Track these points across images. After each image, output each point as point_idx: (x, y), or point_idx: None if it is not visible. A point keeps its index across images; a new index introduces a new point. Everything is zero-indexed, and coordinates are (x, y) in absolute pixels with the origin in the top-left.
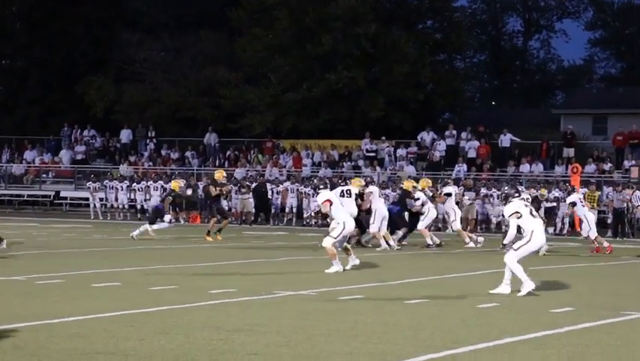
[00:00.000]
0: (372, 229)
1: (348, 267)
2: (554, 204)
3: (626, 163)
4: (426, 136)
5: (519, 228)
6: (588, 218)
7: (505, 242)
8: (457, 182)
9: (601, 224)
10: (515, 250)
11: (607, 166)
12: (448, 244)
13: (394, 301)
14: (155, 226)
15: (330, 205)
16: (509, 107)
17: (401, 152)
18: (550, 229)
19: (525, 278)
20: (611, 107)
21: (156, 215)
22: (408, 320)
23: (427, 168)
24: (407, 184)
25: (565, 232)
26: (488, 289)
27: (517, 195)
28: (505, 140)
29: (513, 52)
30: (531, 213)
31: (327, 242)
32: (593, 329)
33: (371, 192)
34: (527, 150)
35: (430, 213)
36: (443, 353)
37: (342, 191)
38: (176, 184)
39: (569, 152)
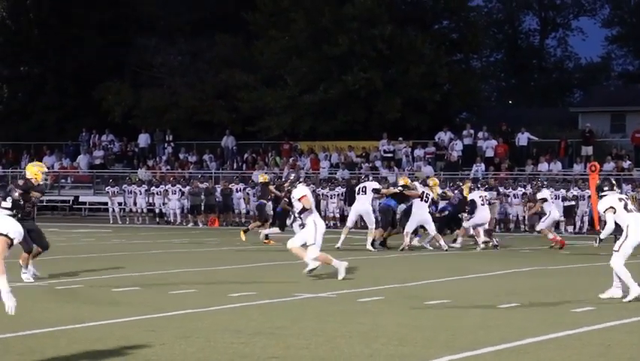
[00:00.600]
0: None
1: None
2: (573, 202)
3: None
4: (443, 136)
5: (616, 223)
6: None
7: (602, 237)
8: (475, 182)
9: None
10: (617, 251)
11: (626, 164)
12: (467, 245)
13: (414, 303)
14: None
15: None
16: (527, 106)
17: (419, 152)
18: (570, 228)
19: (632, 283)
20: (629, 104)
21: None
22: (428, 322)
23: (444, 168)
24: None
25: (585, 230)
26: (506, 288)
27: (607, 188)
28: (523, 138)
29: (530, 50)
30: (625, 207)
31: (314, 253)
32: (614, 329)
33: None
34: (545, 148)
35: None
36: (464, 355)
37: (359, 188)
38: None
39: (588, 150)
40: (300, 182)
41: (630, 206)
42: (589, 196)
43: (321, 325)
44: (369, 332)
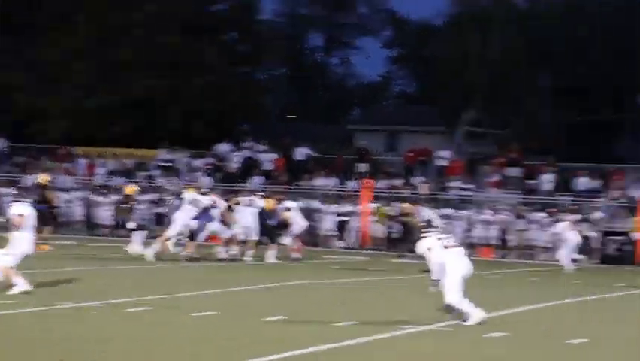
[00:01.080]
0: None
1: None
2: (346, 218)
3: (415, 180)
4: (223, 147)
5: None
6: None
7: (433, 278)
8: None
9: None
10: (449, 289)
11: (398, 182)
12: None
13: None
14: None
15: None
16: (308, 122)
17: (198, 163)
18: (342, 243)
19: (472, 309)
20: (404, 124)
21: None
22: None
23: (223, 179)
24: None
25: (356, 245)
26: (274, 302)
27: (428, 230)
28: (301, 153)
29: (314, 67)
30: (445, 246)
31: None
32: (375, 343)
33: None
34: (322, 163)
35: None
36: None
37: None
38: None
39: (362, 167)
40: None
41: (448, 243)
42: (361, 212)
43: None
44: None
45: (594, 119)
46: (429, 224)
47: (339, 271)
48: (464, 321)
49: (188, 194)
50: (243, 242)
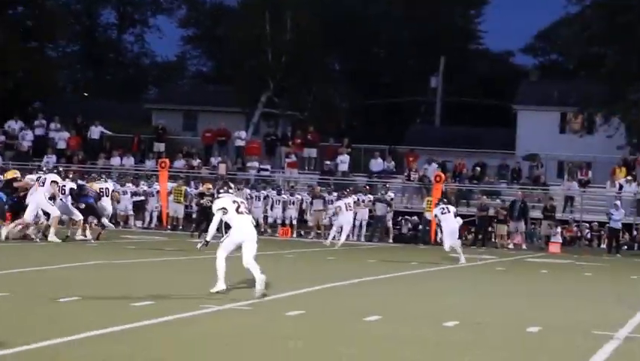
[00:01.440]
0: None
1: None
2: (143, 198)
3: (213, 160)
4: (14, 125)
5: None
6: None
7: (207, 238)
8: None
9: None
10: (221, 243)
11: (196, 162)
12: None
13: None
14: None
15: None
16: (102, 100)
17: None
18: (139, 223)
19: (222, 278)
20: (201, 103)
21: None
22: None
23: (14, 157)
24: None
25: (153, 225)
26: (69, 281)
27: (223, 191)
28: (96, 132)
29: (107, 44)
30: (237, 209)
31: None
32: (170, 323)
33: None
34: (119, 143)
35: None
36: (16, 349)
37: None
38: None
39: (160, 146)
40: None
41: (242, 208)
42: (158, 191)
43: None
44: None
45: (389, 101)
46: (226, 185)
47: (135, 251)
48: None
49: None
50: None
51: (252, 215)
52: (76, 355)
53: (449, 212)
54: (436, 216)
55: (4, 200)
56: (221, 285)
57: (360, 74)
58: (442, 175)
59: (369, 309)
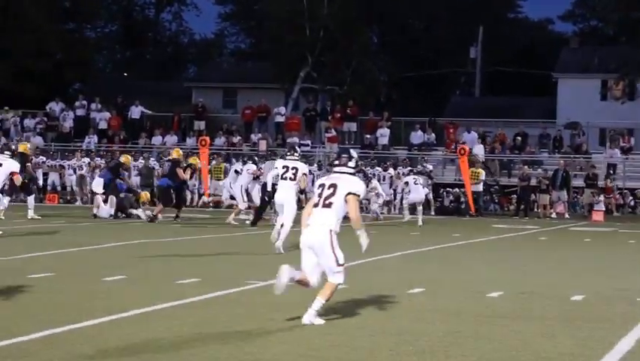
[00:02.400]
0: None
1: None
2: None
3: (253, 137)
4: (55, 106)
5: None
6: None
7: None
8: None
9: None
10: None
11: (236, 139)
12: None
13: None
14: None
15: None
16: (142, 79)
17: (29, 122)
18: None
19: None
20: (240, 81)
21: None
22: (26, 297)
23: (56, 139)
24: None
25: (195, 203)
26: (110, 262)
27: None
28: (136, 112)
29: (145, 23)
30: None
31: None
32: (218, 299)
33: None
34: (159, 122)
35: None
36: (67, 328)
37: None
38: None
39: (200, 124)
40: None
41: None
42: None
43: None
44: None
45: (429, 73)
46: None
47: (180, 228)
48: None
49: None
50: None
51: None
52: (121, 333)
53: (419, 183)
54: (407, 183)
55: (167, 185)
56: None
57: (399, 47)
58: (466, 148)
59: (412, 282)
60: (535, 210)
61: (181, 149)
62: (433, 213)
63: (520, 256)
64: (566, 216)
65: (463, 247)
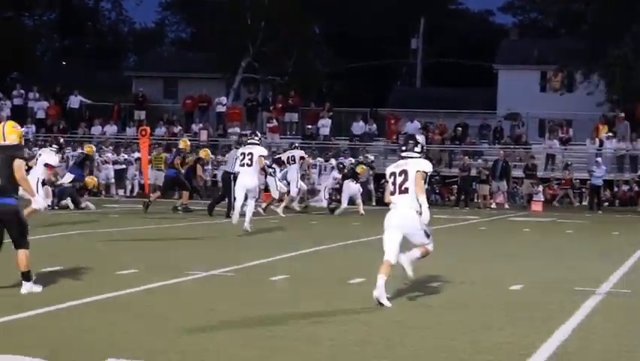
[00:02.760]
0: None
1: None
2: (124, 166)
3: (194, 126)
4: None
5: None
6: None
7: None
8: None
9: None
10: None
11: (177, 129)
12: None
13: None
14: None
15: None
16: (81, 68)
17: None
18: (121, 191)
19: None
20: (181, 70)
21: None
22: None
23: None
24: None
25: (135, 193)
26: (48, 252)
27: None
28: (75, 101)
29: (84, 11)
30: None
31: None
32: (158, 289)
33: None
34: (99, 111)
35: None
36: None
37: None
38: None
39: (140, 114)
40: None
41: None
42: (138, 159)
43: None
44: None
45: (370, 64)
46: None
47: (118, 220)
48: None
49: None
50: None
51: None
52: (60, 325)
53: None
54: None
55: (175, 175)
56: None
57: (341, 38)
58: None
59: (353, 272)
60: (476, 200)
61: (120, 138)
62: (374, 203)
63: (460, 246)
64: (506, 206)
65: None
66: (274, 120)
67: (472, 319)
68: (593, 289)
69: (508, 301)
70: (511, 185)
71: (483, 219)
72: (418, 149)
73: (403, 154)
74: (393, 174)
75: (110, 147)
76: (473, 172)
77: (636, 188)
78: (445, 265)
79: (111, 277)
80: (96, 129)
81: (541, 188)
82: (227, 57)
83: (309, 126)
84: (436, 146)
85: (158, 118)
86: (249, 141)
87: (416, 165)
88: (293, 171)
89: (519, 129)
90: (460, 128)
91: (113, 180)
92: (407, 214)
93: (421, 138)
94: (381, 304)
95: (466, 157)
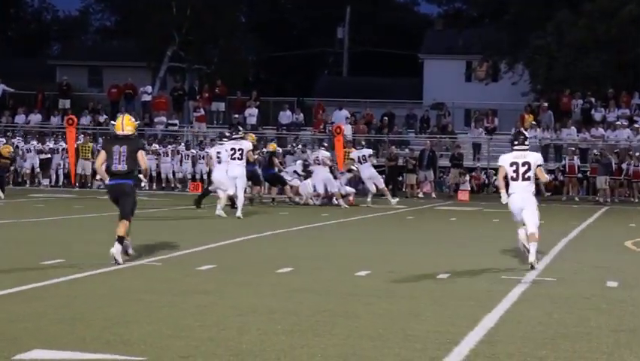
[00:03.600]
0: None
1: None
2: (49, 155)
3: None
4: None
5: None
6: None
7: None
8: None
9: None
10: None
11: (102, 118)
12: None
13: None
14: None
15: None
16: (3, 56)
17: None
18: (46, 181)
19: None
20: (106, 59)
21: None
22: None
23: None
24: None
25: (61, 183)
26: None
27: None
28: None
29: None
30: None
31: None
32: (84, 279)
33: None
34: (22, 100)
35: None
36: None
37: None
38: None
39: (65, 103)
40: None
41: None
42: (64, 149)
43: None
44: None
45: (297, 53)
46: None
47: (44, 210)
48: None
49: None
50: None
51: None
52: None
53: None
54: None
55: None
56: None
57: (268, 26)
58: (342, 127)
59: (281, 261)
60: (403, 189)
61: (44, 128)
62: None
63: (388, 235)
64: (433, 195)
65: (332, 227)
66: (201, 110)
67: (400, 308)
68: (519, 277)
69: (436, 290)
70: (437, 174)
71: (410, 208)
72: (527, 142)
73: (517, 147)
74: (515, 163)
75: (36, 136)
76: (400, 162)
77: (561, 177)
78: (372, 255)
79: (37, 268)
80: (20, 118)
81: (467, 177)
82: (152, 45)
83: (236, 115)
84: (362, 136)
85: (83, 107)
86: (233, 136)
87: (536, 160)
88: (322, 173)
89: (445, 119)
90: (386, 118)
91: (38, 170)
92: (527, 198)
93: (528, 133)
94: (533, 267)
95: (393, 147)
